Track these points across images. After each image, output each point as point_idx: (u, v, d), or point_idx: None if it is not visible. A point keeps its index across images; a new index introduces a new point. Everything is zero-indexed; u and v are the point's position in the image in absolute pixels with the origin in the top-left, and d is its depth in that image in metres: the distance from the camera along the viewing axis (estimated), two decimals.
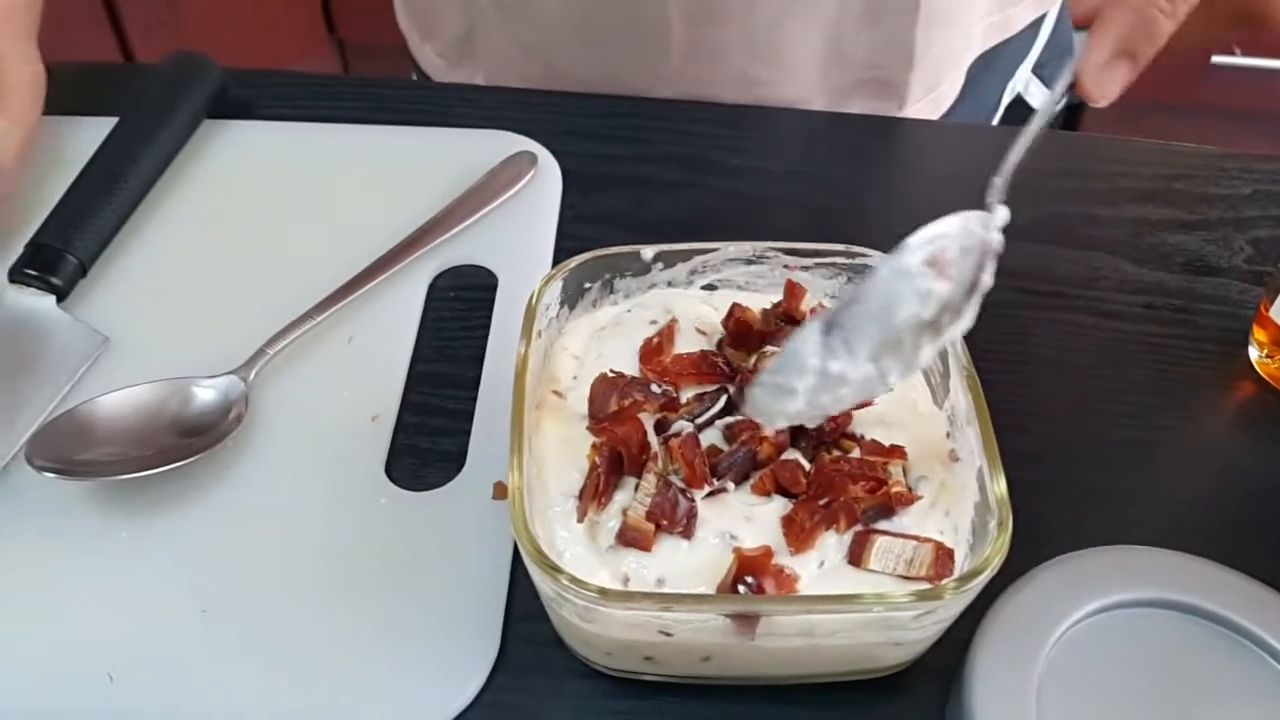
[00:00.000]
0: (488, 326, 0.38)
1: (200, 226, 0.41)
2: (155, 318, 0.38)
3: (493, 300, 0.39)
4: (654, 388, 0.30)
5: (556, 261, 0.40)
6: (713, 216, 0.43)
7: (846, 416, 0.30)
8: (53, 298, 0.38)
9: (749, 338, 0.32)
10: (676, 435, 0.29)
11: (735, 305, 0.32)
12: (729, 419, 0.30)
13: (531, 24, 0.48)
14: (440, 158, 0.43)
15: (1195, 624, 0.28)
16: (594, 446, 0.29)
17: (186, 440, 0.33)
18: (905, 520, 0.28)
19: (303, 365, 0.37)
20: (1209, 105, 1.02)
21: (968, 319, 0.27)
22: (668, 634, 0.27)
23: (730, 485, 0.29)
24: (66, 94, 0.46)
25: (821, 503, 0.28)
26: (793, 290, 0.32)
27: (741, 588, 0.27)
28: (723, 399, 0.30)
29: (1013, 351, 0.38)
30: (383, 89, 0.48)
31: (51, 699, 0.29)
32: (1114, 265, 0.41)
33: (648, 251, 0.33)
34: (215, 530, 0.32)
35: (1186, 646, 0.28)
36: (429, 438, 0.35)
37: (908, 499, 0.28)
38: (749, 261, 0.33)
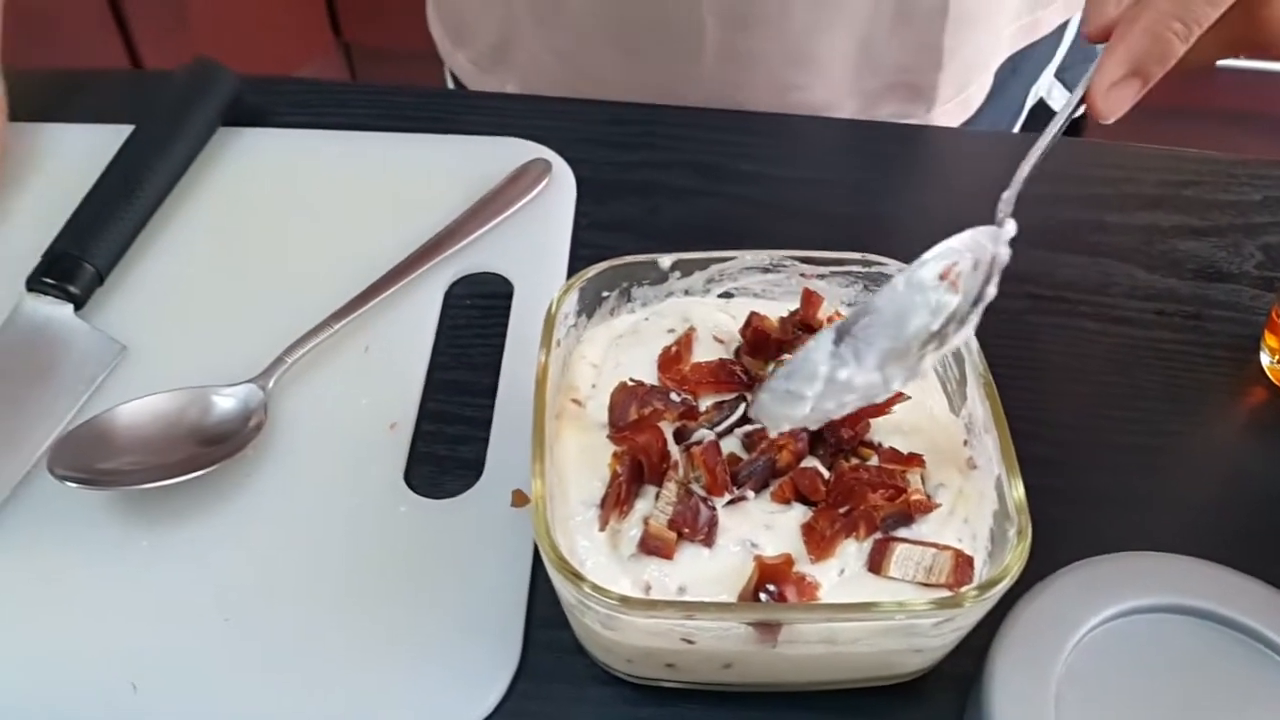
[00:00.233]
0: (504, 334, 0.38)
1: (215, 234, 0.42)
2: (171, 326, 0.38)
3: (509, 307, 0.39)
4: (673, 396, 0.31)
5: (571, 268, 0.40)
6: (727, 224, 0.43)
7: (865, 424, 0.30)
8: (70, 306, 0.38)
9: (766, 346, 0.32)
10: (698, 443, 0.29)
11: (753, 314, 0.32)
12: (748, 427, 0.30)
13: (567, 31, 0.49)
14: (454, 165, 0.43)
15: (1211, 629, 0.29)
16: (615, 455, 0.29)
17: (207, 449, 0.34)
18: (924, 528, 0.29)
19: (320, 373, 0.37)
20: (1214, 109, 1.03)
21: (969, 329, 0.27)
22: (690, 642, 0.27)
23: (750, 493, 0.29)
24: (82, 101, 0.46)
25: (841, 510, 0.28)
26: (810, 298, 0.32)
27: (763, 595, 0.27)
28: (741, 407, 0.30)
29: (1023, 358, 0.38)
30: (395, 97, 0.48)
31: (75, 708, 0.29)
32: (1125, 272, 0.42)
33: (665, 260, 0.33)
34: (236, 538, 0.33)
35: (1203, 652, 0.28)
36: (447, 445, 0.35)
37: (927, 507, 0.29)
38: (766, 270, 0.33)
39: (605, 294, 0.33)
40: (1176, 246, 0.43)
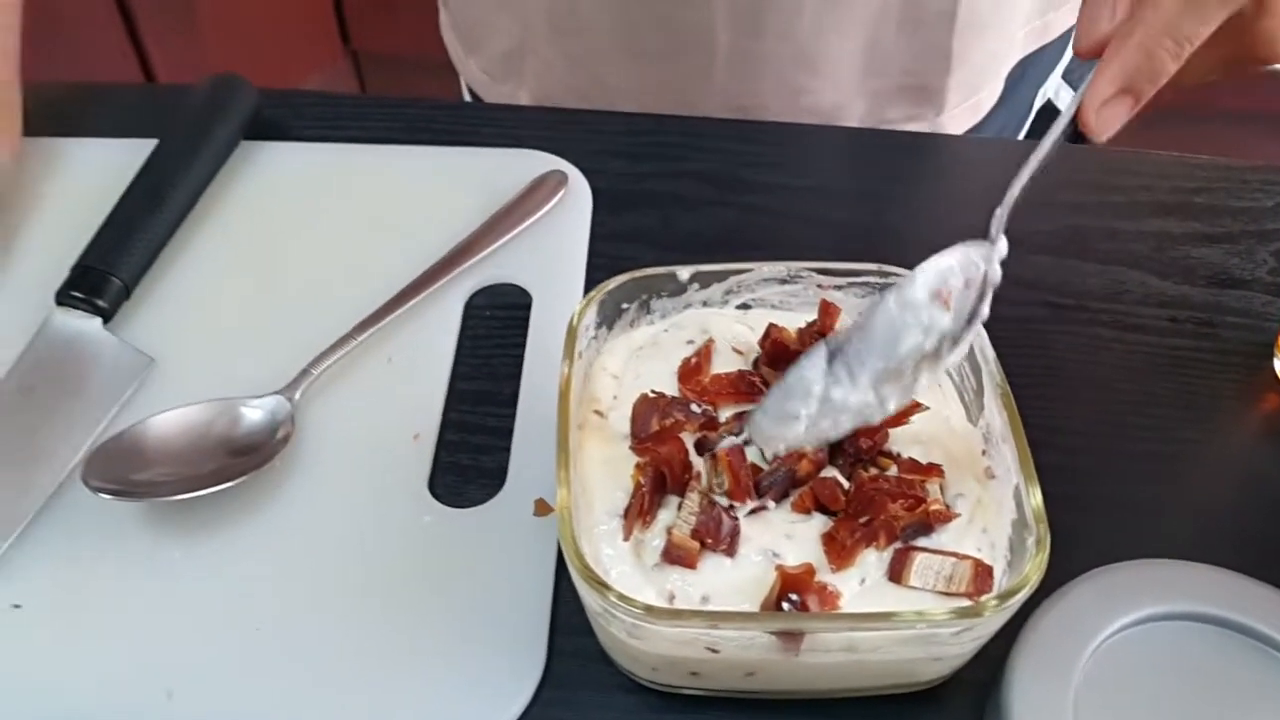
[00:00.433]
0: (523, 344, 0.39)
1: (239, 248, 0.42)
2: (198, 338, 0.39)
3: (528, 318, 0.40)
4: (694, 407, 0.31)
5: (589, 279, 0.41)
6: (742, 234, 0.43)
7: (883, 434, 0.30)
8: (99, 320, 0.39)
9: (785, 357, 0.32)
10: (724, 448, 0.29)
11: (771, 326, 0.33)
12: None
13: (580, 38, 0.49)
14: (472, 177, 0.44)
15: (1229, 637, 0.29)
16: (638, 466, 0.30)
17: (236, 460, 0.34)
18: (943, 537, 0.29)
19: (344, 385, 0.37)
20: (1222, 110, 1.03)
21: (963, 347, 0.27)
22: (714, 650, 0.27)
23: (771, 503, 0.30)
24: (100, 115, 0.47)
25: (861, 520, 0.29)
26: (827, 310, 0.33)
27: (785, 605, 0.27)
28: None
29: (1037, 365, 0.39)
30: (410, 109, 0.49)
31: (112, 716, 0.30)
32: (1138, 279, 0.42)
33: (684, 272, 0.34)
34: (265, 548, 0.33)
35: (1220, 659, 0.29)
36: (470, 455, 0.36)
37: (946, 516, 0.29)
38: (783, 281, 0.34)
39: (625, 306, 0.34)
40: (1189, 253, 0.43)
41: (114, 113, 0.47)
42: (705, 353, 0.33)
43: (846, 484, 0.30)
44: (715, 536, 0.28)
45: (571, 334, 0.31)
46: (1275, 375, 0.39)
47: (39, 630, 0.31)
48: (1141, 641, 0.29)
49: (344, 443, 0.36)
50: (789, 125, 0.48)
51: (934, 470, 0.30)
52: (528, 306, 0.40)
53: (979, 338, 0.31)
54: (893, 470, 0.30)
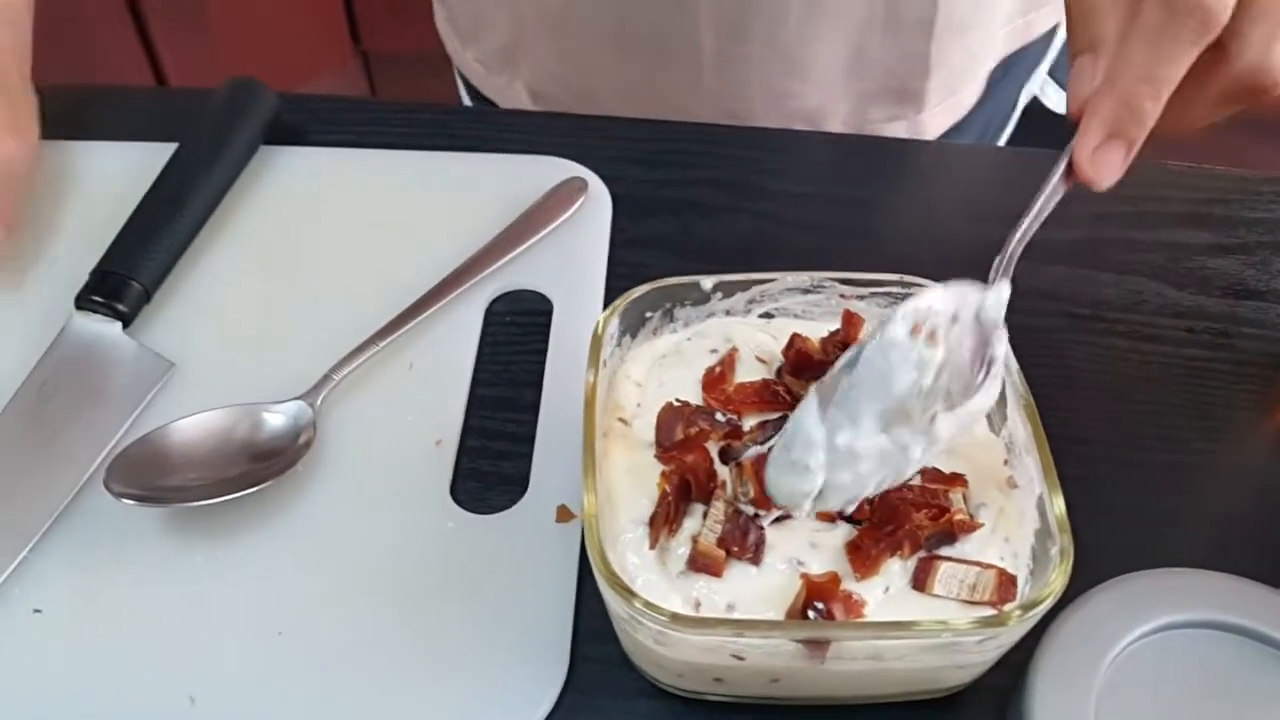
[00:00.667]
0: (544, 350, 0.39)
1: (259, 253, 0.42)
2: (218, 343, 0.39)
3: (548, 325, 0.40)
4: (718, 416, 0.31)
5: (609, 286, 0.41)
6: (760, 241, 0.44)
7: None
8: (119, 324, 0.39)
9: (809, 366, 0.32)
10: (749, 457, 0.29)
11: (795, 335, 0.33)
12: None
13: (572, 36, 0.50)
14: (491, 183, 0.44)
15: (1247, 645, 0.29)
16: (663, 474, 0.30)
17: (259, 465, 0.34)
18: (967, 546, 0.29)
19: (366, 390, 0.38)
20: (1240, 119, 1.03)
21: (990, 392, 0.27)
22: (740, 658, 0.28)
23: (795, 512, 0.30)
24: (116, 118, 0.47)
25: (886, 529, 0.29)
26: (850, 320, 0.33)
27: (811, 613, 0.28)
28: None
29: (1054, 375, 0.39)
30: (429, 114, 0.49)
31: None
32: (1155, 290, 0.42)
33: (707, 282, 0.34)
34: (287, 553, 0.33)
35: (1240, 667, 0.29)
36: (491, 461, 0.36)
37: (970, 526, 0.29)
38: (806, 291, 0.34)
39: (649, 314, 0.34)
40: (1205, 264, 0.43)
41: (131, 116, 0.47)
42: (729, 361, 0.33)
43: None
44: (741, 545, 0.29)
45: (596, 342, 0.32)
46: None
47: (59, 635, 0.31)
48: (1161, 649, 0.29)
49: (366, 448, 0.36)
50: (806, 133, 0.48)
51: (957, 480, 0.30)
52: (548, 313, 0.40)
53: (1003, 345, 0.31)
54: (916, 480, 0.30)
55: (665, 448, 0.31)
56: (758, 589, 0.28)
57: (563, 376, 0.38)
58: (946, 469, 0.30)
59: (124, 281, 0.39)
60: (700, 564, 0.29)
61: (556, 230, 0.42)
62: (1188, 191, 0.46)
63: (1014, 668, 0.29)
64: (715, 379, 0.32)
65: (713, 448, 0.31)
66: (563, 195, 0.43)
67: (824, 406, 0.26)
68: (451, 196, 0.44)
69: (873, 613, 0.28)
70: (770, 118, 0.50)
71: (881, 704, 0.31)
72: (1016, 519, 0.30)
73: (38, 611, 0.32)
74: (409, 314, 0.39)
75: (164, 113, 0.48)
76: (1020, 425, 0.30)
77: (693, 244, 0.44)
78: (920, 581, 0.29)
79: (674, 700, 0.31)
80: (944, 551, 0.29)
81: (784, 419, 0.31)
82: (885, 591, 0.29)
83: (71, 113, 0.47)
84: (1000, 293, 0.28)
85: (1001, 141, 0.59)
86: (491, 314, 0.41)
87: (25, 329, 0.39)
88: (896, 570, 0.29)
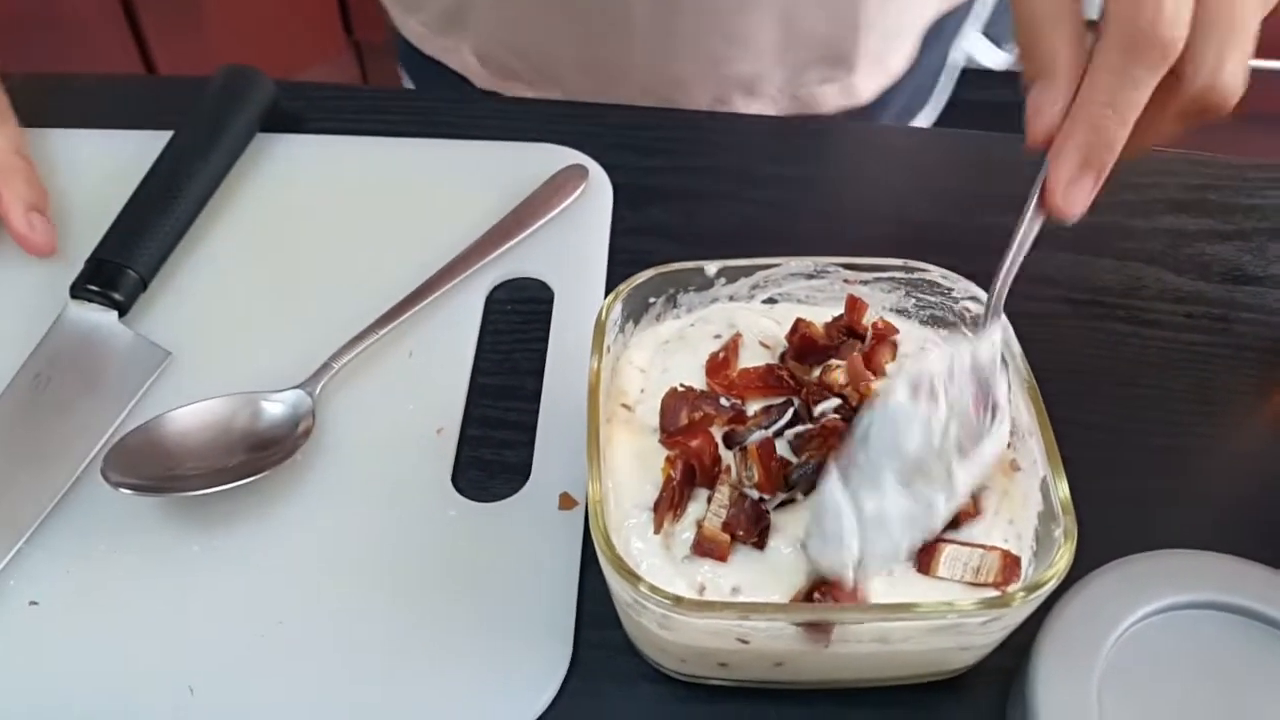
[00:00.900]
0: (545, 338, 0.39)
1: (256, 240, 0.42)
2: (215, 332, 0.39)
3: (549, 312, 0.40)
4: (722, 401, 0.31)
5: (610, 273, 0.41)
6: (760, 228, 0.44)
7: None
8: (115, 313, 0.38)
9: (813, 351, 0.32)
10: (754, 441, 0.29)
11: (799, 320, 0.33)
12: (798, 427, 0.30)
13: (515, 3, 0.50)
14: (490, 171, 0.44)
15: (1249, 625, 0.29)
16: (668, 460, 0.30)
17: (258, 454, 0.34)
18: (971, 529, 0.29)
19: (365, 379, 0.37)
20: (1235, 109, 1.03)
21: (1000, 435, 0.28)
22: (744, 641, 0.28)
23: (800, 495, 0.30)
24: (110, 106, 0.47)
25: None
26: (854, 304, 0.33)
27: (816, 596, 0.28)
28: (789, 411, 0.31)
29: (1055, 360, 0.39)
30: (427, 102, 0.48)
31: (134, 713, 0.30)
32: (1154, 275, 0.42)
33: (711, 267, 0.34)
34: (287, 542, 0.33)
35: (1241, 647, 0.29)
36: (493, 449, 0.36)
37: (972, 513, 0.29)
38: (809, 276, 0.34)
39: (652, 300, 0.34)
40: (1204, 250, 0.43)
41: (126, 104, 0.47)
42: (733, 347, 0.33)
43: None
44: (746, 529, 0.29)
45: (600, 328, 0.31)
46: None
47: (57, 627, 0.31)
48: (1163, 630, 0.29)
49: (366, 437, 0.36)
50: (801, 119, 0.48)
51: None
52: (549, 301, 0.40)
53: (1006, 331, 0.31)
54: None
55: (670, 433, 0.31)
56: (762, 572, 0.28)
57: (564, 364, 0.38)
58: None
59: (119, 270, 0.39)
60: (705, 548, 0.29)
61: (557, 218, 0.42)
62: (1186, 179, 0.46)
63: (1017, 649, 0.29)
64: (719, 364, 0.32)
65: (717, 432, 0.31)
66: (563, 182, 0.43)
67: (845, 478, 0.27)
68: (451, 184, 0.44)
69: (878, 596, 0.28)
70: (706, 85, 0.51)
71: (885, 687, 0.31)
72: (1020, 501, 0.30)
73: (34, 604, 0.32)
74: (409, 301, 0.38)
75: (159, 100, 0.47)
76: (1023, 408, 0.30)
77: (694, 232, 0.43)
78: (924, 564, 0.29)
79: (677, 685, 0.31)
80: (948, 535, 0.29)
81: (787, 403, 0.31)
82: (890, 574, 0.29)
83: (65, 100, 0.47)
84: (992, 336, 0.29)
85: (938, 102, 0.60)
86: (492, 302, 0.40)
87: (20, 318, 0.38)
88: None
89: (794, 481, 0.29)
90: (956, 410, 0.28)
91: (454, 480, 0.35)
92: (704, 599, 0.28)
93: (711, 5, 0.48)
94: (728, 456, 0.30)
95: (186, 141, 0.43)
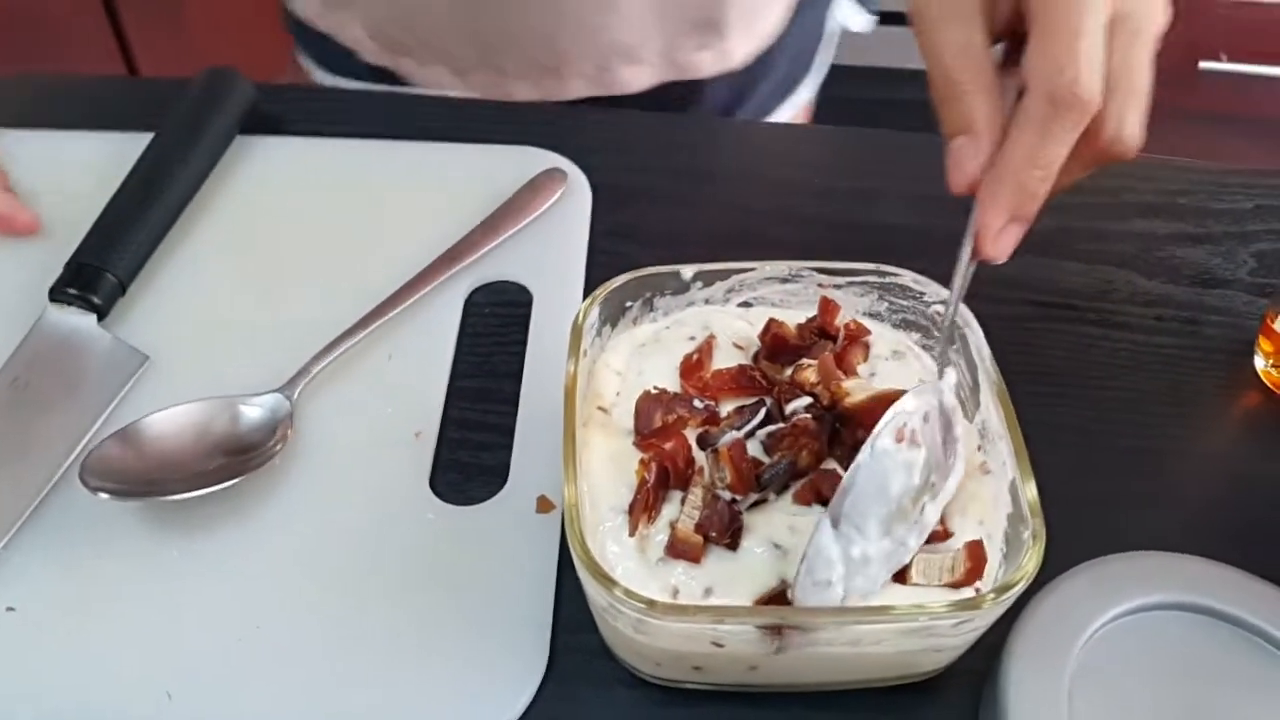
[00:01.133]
0: (524, 341, 0.39)
1: (235, 243, 0.42)
2: (194, 336, 0.39)
3: (528, 315, 0.40)
4: (696, 403, 0.31)
5: (589, 276, 0.41)
6: (735, 231, 0.44)
7: (876, 419, 0.31)
8: (94, 317, 0.38)
9: (785, 351, 0.33)
10: (725, 442, 0.30)
11: (772, 320, 0.33)
12: (770, 427, 0.31)
13: None
14: (470, 174, 0.44)
15: (1217, 625, 0.30)
16: (642, 462, 0.30)
17: (236, 458, 0.34)
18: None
19: (344, 383, 0.37)
20: (1196, 110, 1.05)
21: (959, 468, 0.30)
22: (719, 645, 0.28)
23: (772, 495, 0.30)
24: (90, 108, 0.46)
25: None
26: (827, 306, 0.33)
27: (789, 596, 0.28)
28: (762, 411, 0.31)
29: (1027, 363, 0.39)
30: (407, 104, 0.49)
31: (111, 719, 0.30)
32: (1125, 278, 0.43)
33: (687, 271, 0.34)
34: (265, 546, 0.33)
35: (1209, 647, 0.29)
36: (471, 452, 0.36)
37: (943, 536, 0.30)
38: (784, 280, 0.34)
39: (629, 304, 0.34)
40: (1174, 253, 0.44)
41: (106, 106, 0.47)
42: (706, 348, 0.33)
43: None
44: (719, 530, 0.29)
45: (576, 332, 0.32)
46: (1255, 372, 0.40)
47: (34, 633, 0.31)
48: (1133, 630, 0.30)
49: (344, 441, 0.36)
50: (780, 125, 0.49)
51: None
52: (528, 304, 0.40)
53: (975, 335, 0.32)
54: None
55: (644, 435, 0.31)
56: (735, 573, 0.29)
57: (543, 367, 0.38)
58: None
59: (98, 273, 0.39)
60: (679, 550, 0.29)
61: (536, 221, 0.42)
62: (1156, 183, 0.47)
63: (989, 651, 0.30)
64: (693, 366, 0.33)
65: (691, 434, 0.31)
66: (542, 185, 0.43)
67: (835, 526, 0.28)
68: (429, 186, 0.44)
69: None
70: (588, 53, 0.52)
71: (859, 690, 0.31)
72: (990, 504, 0.30)
73: (11, 610, 0.31)
74: (388, 305, 0.39)
75: (139, 102, 0.47)
76: (993, 411, 0.31)
77: (672, 234, 0.44)
78: (900, 575, 0.29)
79: (652, 689, 0.31)
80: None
81: (760, 403, 0.32)
82: None
83: (45, 101, 0.46)
84: (948, 378, 0.30)
85: (820, 71, 0.61)
86: (471, 305, 0.41)
87: None
88: None
89: (766, 482, 0.30)
90: (930, 450, 0.29)
91: (432, 483, 0.35)
92: (676, 603, 0.28)
93: None
94: (701, 458, 0.30)
95: (166, 144, 0.43)
